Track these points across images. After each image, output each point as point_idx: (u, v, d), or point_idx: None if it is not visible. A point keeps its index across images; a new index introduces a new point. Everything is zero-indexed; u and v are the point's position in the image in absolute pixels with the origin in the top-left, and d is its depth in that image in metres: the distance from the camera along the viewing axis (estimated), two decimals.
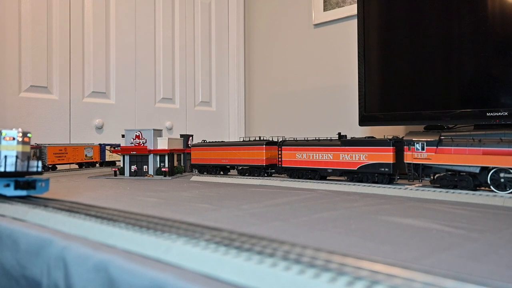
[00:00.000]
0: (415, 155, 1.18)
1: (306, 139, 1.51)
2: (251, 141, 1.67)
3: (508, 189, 1.03)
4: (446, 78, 1.40)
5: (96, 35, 2.19)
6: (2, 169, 0.88)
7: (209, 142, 1.83)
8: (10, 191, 0.88)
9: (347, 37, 2.13)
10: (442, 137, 1.14)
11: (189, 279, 0.44)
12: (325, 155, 1.41)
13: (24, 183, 0.89)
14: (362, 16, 1.59)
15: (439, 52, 1.40)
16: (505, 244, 0.61)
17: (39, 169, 0.91)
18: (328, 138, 1.44)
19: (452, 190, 1.10)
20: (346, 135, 1.42)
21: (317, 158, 1.43)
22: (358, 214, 0.87)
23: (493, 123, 1.21)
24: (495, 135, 1.07)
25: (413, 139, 1.19)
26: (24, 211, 0.78)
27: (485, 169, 1.07)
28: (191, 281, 0.44)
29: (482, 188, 1.11)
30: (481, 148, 1.07)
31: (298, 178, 1.49)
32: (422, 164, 1.17)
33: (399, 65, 1.52)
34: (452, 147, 1.12)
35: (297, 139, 1.54)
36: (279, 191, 1.26)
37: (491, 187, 1.06)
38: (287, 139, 1.58)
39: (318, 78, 2.30)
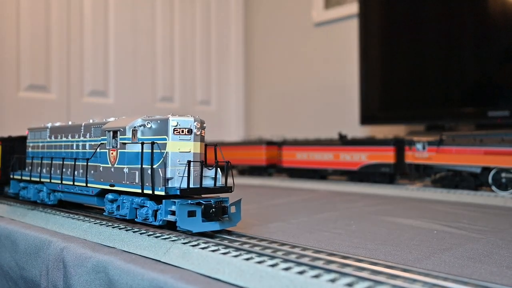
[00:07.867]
0: (416, 155, 1.18)
1: (306, 139, 1.50)
2: (251, 141, 1.66)
3: (509, 189, 1.03)
4: (447, 77, 1.39)
5: (95, 34, 2.18)
6: (185, 185, 0.54)
7: (208, 142, 1.82)
8: (197, 225, 0.54)
9: (348, 37, 2.13)
10: (443, 137, 1.14)
11: (189, 280, 0.44)
12: (326, 155, 1.40)
13: (217, 209, 0.55)
14: (363, 15, 1.58)
15: (440, 51, 1.40)
16: (506, 245, 0.60)
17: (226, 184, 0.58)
18: (328, 138, 1.43)
19: (453, 190, 1.10)
20: (346, 135, 1.41)
21: (318, 158, 1.42)
22: (359, 214, 0.86)
23: (494, 123, 1.20)
24: (497, 135, 1.07)
25: (414, 139, 1.19)
26: (23, 212, 0.78)
27: (486, 169, 1.07)
28: (191, 282, 0.43)
29: (483, 188, 1.11)
30: (483, 148, 1.06)
31: (298, 178, 1.49)
32: (423, 164, 1.17)
33: (400, 64, 1.51)
34: (453, 147, 1.11)
35: (297, 139, 1.53)
36: (279, 191, 1.25)
37: (493, 187, 1.05)
38: (287, 139, 1.57)
39: (319, 77, 2.30)
